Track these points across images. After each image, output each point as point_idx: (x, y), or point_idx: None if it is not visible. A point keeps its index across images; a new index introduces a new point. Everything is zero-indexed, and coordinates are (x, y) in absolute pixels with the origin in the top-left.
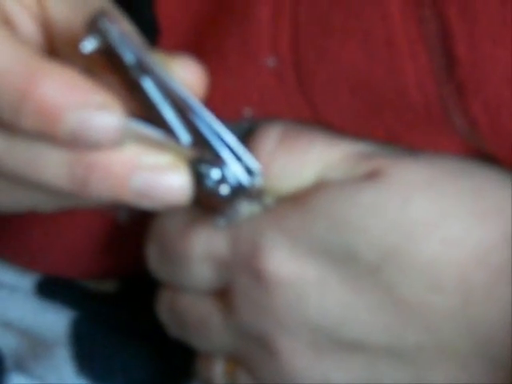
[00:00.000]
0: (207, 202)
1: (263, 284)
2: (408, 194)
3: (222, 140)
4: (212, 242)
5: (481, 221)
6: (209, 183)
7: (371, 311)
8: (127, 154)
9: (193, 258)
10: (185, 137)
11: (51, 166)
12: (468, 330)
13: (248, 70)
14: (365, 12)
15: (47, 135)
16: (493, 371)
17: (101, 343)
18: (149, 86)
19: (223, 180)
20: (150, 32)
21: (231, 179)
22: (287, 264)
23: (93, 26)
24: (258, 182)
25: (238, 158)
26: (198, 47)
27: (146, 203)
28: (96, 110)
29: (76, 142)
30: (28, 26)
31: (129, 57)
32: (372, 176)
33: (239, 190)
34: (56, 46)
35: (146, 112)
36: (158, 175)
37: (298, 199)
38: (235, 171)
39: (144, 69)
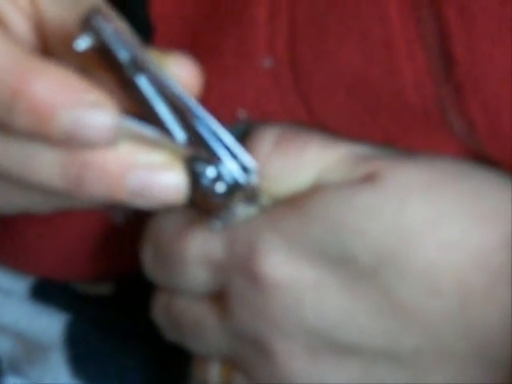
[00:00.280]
0: (203, 205)
1: (259, 286)
2: (405, 197)
3: (218, 138)
4: (208, 244)
5: (479, 223)
6: (204, 181)
7: (368, 314)
8: (122, 152)
9: (188, 261)
10: (180, 135)
11: (46, 165)
12: (466, 333)
13: (244, 70)
14: (362, 12)
15: (41, 134)
16: (491, 373)
17: (96, 346)
18: (143, 83)
19: (219, 178)
20: (144, 31)
21: (227, 177)
22: (283, 266)
23: (86, 23)
24: (254, 179)
25: (234, 156)
26: (193, 47)
27: (141, 202)
28: (89, 109)
29: (70, 142)
30: (21, 25)
31: (123, 54)
32: (369, 179)
33: (235, 188)
34: (50, 46)
35: (140, 110)
36: (154, 174)
37: (295, 202)
38: (231, 169)
39: (139, 66)
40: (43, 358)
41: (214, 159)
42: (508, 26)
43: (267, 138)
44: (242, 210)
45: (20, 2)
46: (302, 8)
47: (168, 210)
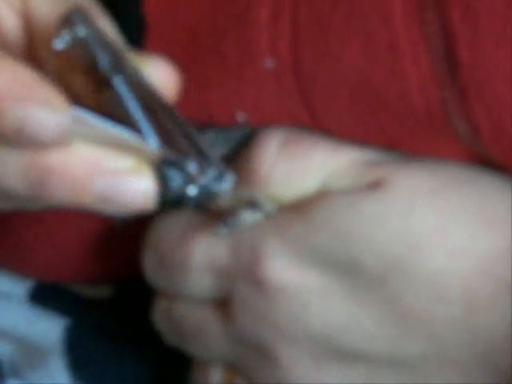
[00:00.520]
0: (208, 211)
1: (264, 292)
2: (412, 204)
3: (192, 142)
4: (212, 250)
5: (485, 229)
6: (175, 186)
7: (374, 321)
8: (86, 156)
9: (192, 267)
10: (153, 138)
11: (9, 170)
12: (471, 340)
13: (246, 71)
14: (366, 14)
15: None
16: (495, 379)
17: (95, 350)
18: (119, 85)
19: (190, 182)
20: (137, 29)
21: (199, 182)
22: (289, 272)
23: (65, 23)
24: (228, 186)
25: (208, 161)
26: (194, 47)
27: (109, 208)
28: (38, 106)
29: (20, 139)
30: (10, 20)
31: (101, 56)
32: (375, 185)
33: (208, 193)
34: (36, 43)
35: (115, 112)
36: (120, 180)
37: (301, 207)
38: (204, 174)
39: (116, 68)
40: (43, 361)
41: (185, 163)
42: None
43: (273, 141)
44: (247, 216)
45: None
46: (305, 9)
47: (170, 213)
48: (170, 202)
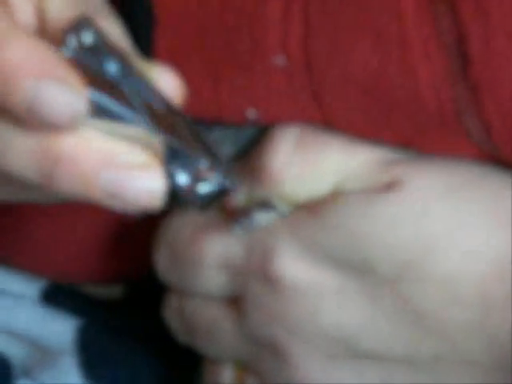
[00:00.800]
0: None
1: (276, 290)
2: (426, 205)
3: (201, 142)
4: (225, 248)
5: (500, 230)
6: (183, 184)
7: (388, 322)
8: (96, 147)
9: (205, 264)
10: (162, 138)
11: (19, 154)
12: (486, 342)
13: (256, 68)
14: (377, 10)
15: (5, 104)
16: (510, 382)
17: (107, 350)
18: (127, 90)
19: (200, 181)
20: (147, 25)
21: (209, 180)
22: (302, 271)
23: (73, 30)
24: (236, 184)
25: (217, 159)
26: (204, 43)
27: (116, 204)
28: (55, 83)
29: (30, 117)
30: (27, 17)
31: (108, 62)
32: (389, 187)
33: (216, 194)
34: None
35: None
36: (130, 175)
37: (315, 208)
38: (212, 175)
39: (123, 74)
40: (55, 362)
41: (196, 161)
42: None
43: (286, 139)
44: (261, 217)
45: None
46: (315, 6)
47: (183, 211)
48: (176, 200)
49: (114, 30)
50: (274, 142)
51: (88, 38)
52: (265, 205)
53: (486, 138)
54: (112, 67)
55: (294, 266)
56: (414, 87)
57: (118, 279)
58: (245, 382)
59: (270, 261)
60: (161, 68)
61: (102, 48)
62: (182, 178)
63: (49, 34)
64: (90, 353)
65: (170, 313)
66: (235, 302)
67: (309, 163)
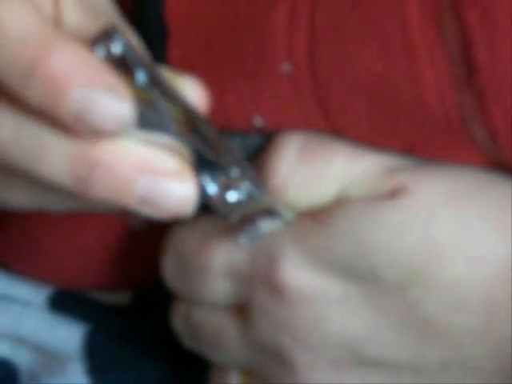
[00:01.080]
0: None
1: (282, 298)
2: (431, 213)
3: (229, 151)
4: (231, 256)
5: (504, 236)
6: (212, 192)
7: (394, 329)
8: (135, 154)
9: (212, 272)
10: (192, 147)
11: (55, 159)
12: (491, 347)
13: (262, 75)
14: (383, 17)
15: (51, 111)
16: None
17: (114, 356)
18: (157, 100)
19: (229, 189)
20: (159, 36)
21: (236, 191)
22: (307, 279)
23: (100, 40)
24: (262, 191)
25: (246, 168)
26: (212, 52)
27: (149, 211)
28: (104, 92)
29: (77, 124)
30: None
31: (137, 72)
32: (394, 194)
33: (243, 202)
34: None
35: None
36: (165, 181)
37: (319, 215)
38: (239, 183)
39: (152, 83)
40: (62, 367)
41: (228, 169)
42: None
43: (290, 146)
44: (266, 225)
45: (41, 1)
46: (321, 13)
47: (190, 219)
48: (205, 208)
49: (132, 42)
50: (278, 150)
51: (117, 47)
52: (270, 212)
53: (492, 144)
54: (141, 77)
55: (299, 274)
56: (420, 94)
57: (124, 286)
58: None
59: (275, 269)
60: (186, 77)
61: (130, 58)
62: (212, 187)
63: None
64: (96, 358)
65: (177, 319)
66: (241, 309)
67: (313, 170)
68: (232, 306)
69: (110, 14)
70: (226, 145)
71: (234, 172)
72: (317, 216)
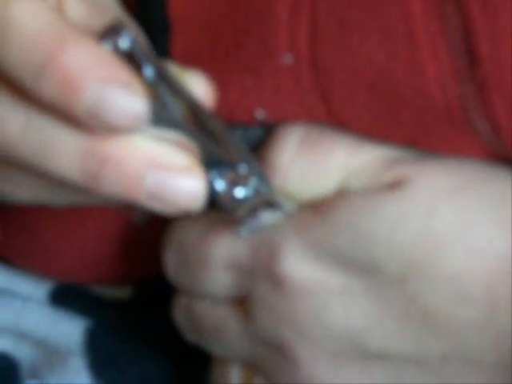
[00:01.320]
0: (226, 208)
1: (283, 291)
2: (432, 204)
3: (237, 146)
4: (233, 248)
5: (505, 229)
6: (220, 188)
7: (395, 321)
8: (142, 149)
9: (213, 265)
10: (200, 142)
11: (65, 155)
12: (493, 339)
13: (265, 67)
14: (385, 8)
15: (65, 107)
16: None
17: (116, 351)
18: (165, 94)
19: (237, 185)
20: (161, 29)
21: (244, 187)
22: (308, 271)
23: (107, 35)
24: (269, 188)
25: (252, 166)
26: (216, 45)
27: (158, 206)
28: (119, 88)
29: (91, 120)
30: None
31: (145, 66)
32: (395, 185)
33: (252, 196)
34: None
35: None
36: (174, 177)
37: (320, 207)
38: (246, 177)
39: (160, 78)
40: (63, 363)
41: (236, 165)
42: None
43: (291, 138)
44: (267, 217)
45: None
46: (323, 4)
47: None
48: (212, 204)
49: (138, 37)
50: (278, 141)
51: (125, 42)
52: (271, 204)
53: (494, 136)
54: (148, 72)
55: (300, 266)
56: (422, 85)
57: (125, 281)
58: (253, 381)
59: (276, 261)
60: (192, 73)
61: (138, 53)
62: (220, 183)
63: None
64: (98, 353)
65: (179, 312)
66: (242, 302)
67: (314, 162)
68: (233, 298)
69: (114, 9)
70: (233, 140)
71: (242, 168)
72: (318, 208)
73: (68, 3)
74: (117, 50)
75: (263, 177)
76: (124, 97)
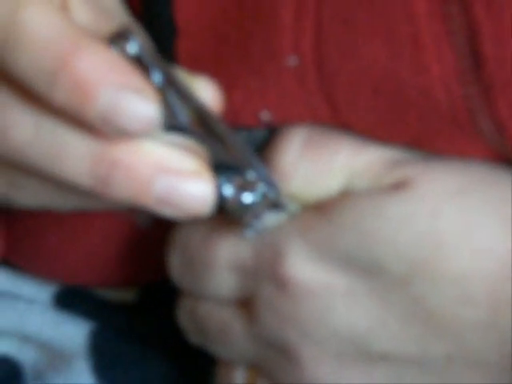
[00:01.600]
0: (233, 214)
1: (287, 292)
2: (436, 206)
3: (244, 152)
4: (237, 250)
5: (509, 230)
6: (228, 193)
7: (399, 322)
8: (153, 154)
9: (217, 266)
10: (207, 147)
11: (74, 159)
12: (497, 342)
13: (269, 69)
14: (389, 9)
15: (77, 113)
16: None
17: (120, 353)
18: (172, 99)
19: (245, 190)
20: (168, 34)
21: (251, 191)
22: (312, 272)
23: (115, 40)
24: (277, 193)
25: (260, 172)
26: (221, 48)
27: (167, 211)
28: (132, 94)
29: (104, 126)
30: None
31: (153, 71)
32: (400, 186)
33: (259, 201)
34: None
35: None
36: (183, 181)
37: (324, 208)
38: (254, 182)
39: (168, 83)
40: (67, 366)
41: (244, 171)
42: None
43: (295, 139)
44: (271, 218)
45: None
46: (328, 6)
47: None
48: (220, 209)
49: (145, 42)
50: (282, 143)
51: (132, 48)
52: (275, 205)
53: (498, 137)
54: (156, 77)
55: (304, 267)
56: (426, 86)
57: (130, 284)
58: (257, 382)
59: (280, 262)
60: (200, 78)
61: (145, 58)
62: (228, 188)
63: None
64: (102, 356)
65: (183, 314)
66: (246, 304)
67: (317, 163)
68: (237, 300)
69: (121, 15)
70: (240, 145)
71: (250, 173)
72: (321, 209)
73: (74, 8)
74: (124, 55)
75: (271, 181)
76: (137, 102)
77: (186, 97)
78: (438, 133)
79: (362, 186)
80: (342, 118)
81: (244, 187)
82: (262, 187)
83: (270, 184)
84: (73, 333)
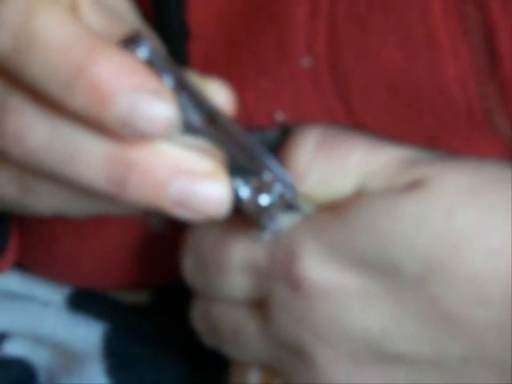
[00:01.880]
0: (250, 216)
1: (301, 293)
2: (452, 205)
3: (259, 153)
4: (250, 251)
5: None
6: (244, 195)
7: (415, 323)
8: (167, 156)
9: (231, 268)
10: (222, 149)
11: (90, 162)
12: None
13: (283, 70)
14: (404, 9)
15: (96, 118)
16: None
17: (134, 355)
18: (185, 102)
19: (262, 192)
20: (180, 37)
21: (267, 192)
22: (327, 273)
23: (127, 44)
24: (293, 193)
25: (276, 173)
26: (230, 47)
27: (183, 213)
28: (150, 97)
29: (124, 129)
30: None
31: (165, 75)
32: (415, 186)
33: (276, 202)
34: None
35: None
36: (199, 183)
37: (339, 208)
38: (271, 184)
39: (180, 86)
40: (81, 367)
41: (260, 172)
42: None
43: (309, 139)
44: (286, 220)
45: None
46: (342, 5)
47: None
48: (237, 211)
49: (157, 46)
50: (296, 143)
51: (144, 52)
52: (290, 206)
53: None
54: (168, 81)
55: (318, 269)
56: (442, 85)
57: (144, 286)
58: (271, 383)
59: (294, 263)
60: (212, 81)
61: (157, 62)
62: (244, 190)
63: None
64: (116, 357)
65: (197, 316)
66: (260, 305)
67: (332, 163)
68: (251, 301)
69: (132, 18)
70: (255, 147)
71: (266, 175)
72: (336, 209)
73: (85, 12)
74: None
75: (287, 182)
76: (155, 104)
77: (199, 100)
78: (453, 132)
79: (377, 186)
80: (357, 118)
81: (260, 189)
82: (278, 188)
83: (287, 184)
84: (86, 334)
